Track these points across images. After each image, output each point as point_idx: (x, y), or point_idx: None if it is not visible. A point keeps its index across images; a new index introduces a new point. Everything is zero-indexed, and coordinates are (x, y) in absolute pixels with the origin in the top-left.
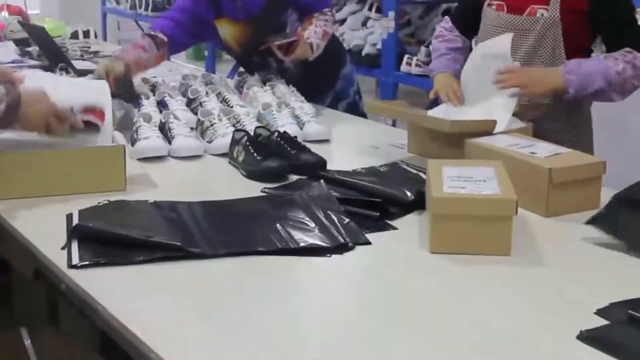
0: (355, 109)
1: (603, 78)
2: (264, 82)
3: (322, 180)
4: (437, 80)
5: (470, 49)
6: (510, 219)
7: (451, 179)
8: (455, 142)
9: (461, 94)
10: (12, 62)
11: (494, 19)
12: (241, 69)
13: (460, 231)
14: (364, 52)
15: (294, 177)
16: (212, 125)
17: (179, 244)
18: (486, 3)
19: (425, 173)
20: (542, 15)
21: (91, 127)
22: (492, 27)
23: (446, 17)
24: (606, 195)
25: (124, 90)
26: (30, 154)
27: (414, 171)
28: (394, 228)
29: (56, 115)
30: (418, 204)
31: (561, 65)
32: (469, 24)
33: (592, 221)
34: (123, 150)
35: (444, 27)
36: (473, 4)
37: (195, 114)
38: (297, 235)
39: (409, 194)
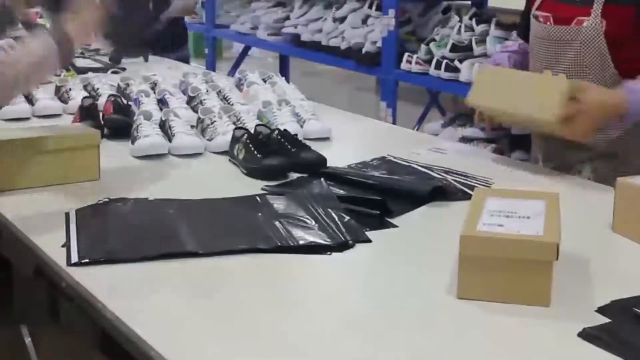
0: None
1: None
2: None
3: (322, 178)
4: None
5: None
6: (550, 264)
7: (490, 214)
8: None
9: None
10: None
11: (540, 31)
12: (241, 67)
13: (490, 276)
14: (364, 50)
15: (294, 175)
16: (212, 123)
17: (179, 241)
18: (532, 12)
19: (415, 164)
20: (584, 24)
21: None
22: (538, 40)
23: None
24: None
25: None
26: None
27: (405, 163)
28: (394, 226)
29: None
30: (420, 200)
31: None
32: None
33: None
34: (98, 138)
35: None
36: (527, 13)
37: (196, 111)
38: (297, 233)
39: (425, 187)
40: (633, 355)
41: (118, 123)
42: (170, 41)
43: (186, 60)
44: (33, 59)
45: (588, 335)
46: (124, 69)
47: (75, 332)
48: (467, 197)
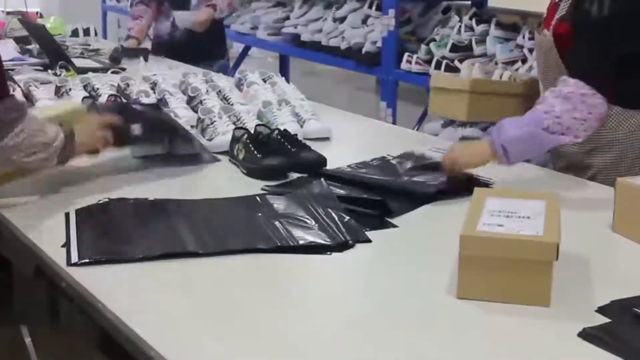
0: None
1: (536, 138)
2: None
3: (322, 178)
4: None
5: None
6: (550, 264)
7: (490, 214)
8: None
9: None
10: (12, 60)
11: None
12: (241, 67)
13: (490, 276)
14: (364, 50)
15: (294, 175)
16: (212, 123)
17: (179, 241)
18: None
19: None
20: (545, 35)
21: None
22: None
23: None
24: None
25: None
26: None
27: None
28: (394, 226)
29: (109, 127)
30: (420, 200)
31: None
32: None
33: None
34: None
35: None
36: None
37: (196, 111)
38: (297, 233)
39: (425, 189)
40: (633, 355)
41: None
42: (208, 52)
43: (225, 71)
44: (38, 133)
45: (588, 335)
46: (124, 69)
47: (75, 332)
48: (467, 197)
